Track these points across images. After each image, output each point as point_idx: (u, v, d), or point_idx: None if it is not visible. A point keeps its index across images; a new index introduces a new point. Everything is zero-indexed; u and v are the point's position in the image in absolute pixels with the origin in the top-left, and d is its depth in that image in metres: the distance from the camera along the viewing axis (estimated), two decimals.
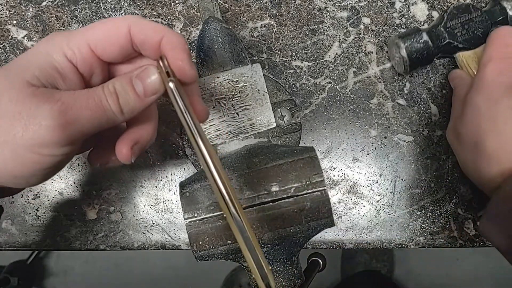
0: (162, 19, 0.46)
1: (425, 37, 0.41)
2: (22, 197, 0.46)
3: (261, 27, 0.46)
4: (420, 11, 0.46)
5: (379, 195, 0.44)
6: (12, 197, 0.46)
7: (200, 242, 0.32)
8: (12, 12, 0.47)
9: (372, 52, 0.46)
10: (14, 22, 0.47)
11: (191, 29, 0.46)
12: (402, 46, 0.41)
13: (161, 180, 0.45)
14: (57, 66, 0.27)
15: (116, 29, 0.27)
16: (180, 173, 0.45)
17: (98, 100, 0.27)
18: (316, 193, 0.33)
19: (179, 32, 0.46)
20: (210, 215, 0.32)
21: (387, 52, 0.46)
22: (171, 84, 0.27)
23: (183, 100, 0.26)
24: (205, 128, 0.38)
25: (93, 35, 0.28)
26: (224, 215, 0.33)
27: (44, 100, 0.25)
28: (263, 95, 0.39)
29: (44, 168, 0.27)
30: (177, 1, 0.46)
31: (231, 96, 0.38)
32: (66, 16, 0.46)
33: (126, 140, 0.30)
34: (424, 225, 0.44)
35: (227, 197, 0.26)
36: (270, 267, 0.27)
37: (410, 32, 0.42)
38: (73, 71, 0.28)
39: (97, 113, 0.26)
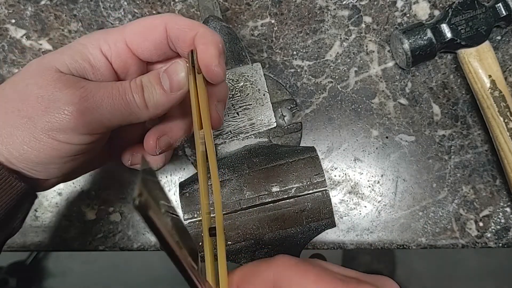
0: None
1: (429, 33, 0.41)
2: None
3: (261, 26, 0.46)
4: (422, 9, 0.46)
5: (380, 196, 0.44)
6: None
7: (200, 243, 0.32)
8: (10, 11, 0.46)
9: (374, 51, 0.45)
10: (13, 21, 0.46)
11: None
12: (406, 42, 0.41)
13: (160, 180, 0.45)
14: (90, 58, 0.27)
15: (153, 26, 0.27)
16: (180, 173, 0.45)
17: (122, 92, 0.26)
18: (317, 193, 0.32)
19: None
20: (210, 215, 0.32)
21: (388, 51, 0.45)
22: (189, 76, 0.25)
23: (199, 96, 0.25)
24: None
25: (130, 30, 0.28)
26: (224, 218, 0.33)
27: (67, 85, 0.25)
28: (264, 95, 0.38)
29: (60, 157, 0.26)
30: (176, 0, 0.46)
31: (231, 95, 0.38)
32: (65, 15, 0.46)
33: (154, 131, 0.29)
34: (426, 226, 0.44)
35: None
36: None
37: (413, 27, 0.42)
38: (106, 66, 0.28)
39: (120, 104, 0.26)
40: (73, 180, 0.45)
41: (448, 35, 0.41)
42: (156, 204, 0.15)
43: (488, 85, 0.42)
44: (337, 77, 0.45)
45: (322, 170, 0.33)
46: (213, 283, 0.23)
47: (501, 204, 0.44)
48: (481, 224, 0.44)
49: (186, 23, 0.27)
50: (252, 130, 0.38)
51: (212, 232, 0.24)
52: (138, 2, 0.46)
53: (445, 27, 0.42)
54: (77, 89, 0.25)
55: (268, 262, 0.24)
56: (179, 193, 0.33)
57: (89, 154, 0.28)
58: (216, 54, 0.26)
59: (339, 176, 0.44)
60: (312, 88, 0.45)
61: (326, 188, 0.32)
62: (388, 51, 0.45)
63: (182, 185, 0.34)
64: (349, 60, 0.45)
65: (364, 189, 0.44)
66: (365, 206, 0.44)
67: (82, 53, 0.27)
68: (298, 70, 0.45)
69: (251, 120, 0.38)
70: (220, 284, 0.22)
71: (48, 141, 0.25)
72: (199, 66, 0.26)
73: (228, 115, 0.38)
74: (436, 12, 0.45)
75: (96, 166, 0.35)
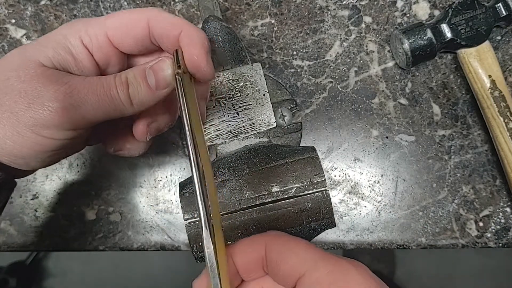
0: None
1: (429, 33, 0.41)
2: (20, 197, 0.45)
3: (261, 26, 0.46)
4: (422, 9, 0.46)
5: (380, 196, 0.44)
6: (11, 197, 0.45)
7: (200, 243, 0.32)
8: (10, 11, 0.46)
9: (374, 51, 0.45)
10: (13, 21, 0.46)
11: None
12: (406, 42, 0.41)
13: (160, 180, 0.45)
14: (72, 51, 0.27)
15: (135, 21, 0.27)
16: (179, 173, 0.45)
17: (107, 88, 0.26)
18: (317, 193, 0.32)
19: None
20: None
21: (388, 51, 0.45)
22: (176, 77, 0.25)
23: (186, 97, 0.24)
24: (205, 128, 0.37)
25: (112, 24, 0.27)
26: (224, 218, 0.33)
27: (52, 81, 0.25)
28: (264, 95, 0.38)
29: (44, 151, 0.26)
30: (176, 0, 0.46)
31: (231, 95, 0.38)
32: (65, 15, 0.46)
33: (144, 118, 0.29)
34: (426, 226, 0.44)
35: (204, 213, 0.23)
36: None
37: (413, 27, 0.42)
38: (88, 58, 0.28)
39: (104, 100, 0.26)
40: (73, 180, 0.45)
41: (448, 35, 0.41)
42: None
43: (488, 85, 0.42)
44: (337, 77, 0.45)
45: (322, 170, 0.33)
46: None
47: (501, 204, 0.44)
48: (481, 224, 0.44)
49: (169, 22, 0.26)
50: (252, 130, 0.38)
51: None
52: (138, 2, 0.46)
53: (445, 27, 0.41)
54: (61, 85, 0.25)
55: (260, 235, 0.26)
56: (179, 193, 0.33)
57: (71, 147, 0.28)
58: (203, 53, 0.26)
59: (339, 176, 0.44)
60: (312, 88, 0.45)
61: (326, 188, 0.32)
62: (388, 51, 0.45)
63: (182, 185, 0.34)
64: (349, 60, 0.45)
65: (364, 189, 0.44)
66: (365, 206, 0.44)
67: (64, 45, 0.27)
68: (298, 70, 0.45)
69: (251, 120, 0.38)
70: (222, 283, 0.22)
71: (32, 136, 0.25)
72: (185, 65, 0.26)
73: (228, 115, 0.38)
74: (436, 12, 0.45)
75: (75, 152, 0.35)
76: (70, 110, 0.25)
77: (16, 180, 0.30)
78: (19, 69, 0.25)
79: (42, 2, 0.46)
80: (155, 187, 0.45)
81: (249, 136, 0.38)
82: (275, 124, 0.38)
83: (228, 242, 0.32)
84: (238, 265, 0.26)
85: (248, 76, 0.38)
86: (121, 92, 0.26)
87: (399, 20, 0.46)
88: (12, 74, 0.25)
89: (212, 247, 0.22)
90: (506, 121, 0.41)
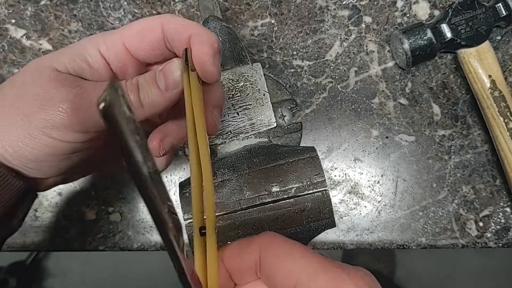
0: None
1: (429, 33, 0.41)
2: None
3: (261, 26, 0.46)
4: (422, 9, 0.46)
5: (380, 196, 0.44)
6: None
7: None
8: (10, 11, 0.46)
9: (374, 51, 0.45)
10: (13, 21, 0.46)
11: None
12: (406, 42, 0.41)
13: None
14: (89, 59, 0.28)
15: (150, 26, 0.28)
16: (180, 173, 0.45)
17: None
18: (317, 193, 0.32)
19: None
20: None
21: (388, 51, 0.45)
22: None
23: (191, 94, 0.24)
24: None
25: (128, 32, 0.28)
26: (224, 218, 0.33)
27: (64, 84, 0.26)
28: (264, 95, 0.38)
29: (54, 154, 0.26)
30: (176, 0, 0.46)
31: (231, 95, 0.38)
32: (65, 15, 0.46)
33: (157, 133, 0.29)
34: (426, 226, 0.44)
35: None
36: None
37: (413, 27, 0.42)
38: (104, 66, 0.28)
39: None
40: None
41: (448, 35, 0.41)
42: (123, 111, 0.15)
43: (488, 85, 0.42)
44: (337, 77, 0.45)
45: (322, 170, 0.33)
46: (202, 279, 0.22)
47: (501, 204, 0.44)
48: (481, 224, 0.44)
49: (182, 23, 0.27)
50: (252, 130, 0.38)
51: (202, 231, 0.23)
52: (138, 2, 0.46)
53: (445, 27, 0.42)
54: (73, 87, 0.25)
55: (255, 237, 0.24)
56: (179, 193, 0.33)
57: (84, 153, 0.28)
58: (211, 53, 0.26)
59: (339, 176, 0.44)
60: (312, 88, 0.45)
61: (326, 188, 0.32)
62: (388, 51, 0.45)
63: (182, 185, 0.34)
64: (349, 60, 0.45)
65: (364, 189, 0.44)
66: (365, 206, 0.44)
67: (81, 53, 0.27)
68: (298, 70, 0.45)
69: (251, 120, 0.38)
70: (209, 284, 0.21)
71: (43, 138, 0.25)
72: (192, 63, 0.26)
73: (228, 115, 0.38)
74: (436, 12, 0.45)
75: (95, 170, 0.34)
76: (80, 111, 0.25)
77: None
78: (34, 74, 0.26)
79: (42, 2, 0.46)
80: None
81: (249, 136, 0.38)
82: (275, 124, 0.38)
83: (228, 242, 0.32)
84: (231, 269, 0.24)
85: (248, 76, 0.38)
86: (132, 95, 0.26)
87: (399, 20, 0.46)
88: (28, 80, 0.26)
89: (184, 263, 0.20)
90: (506, 121, 0.41)
